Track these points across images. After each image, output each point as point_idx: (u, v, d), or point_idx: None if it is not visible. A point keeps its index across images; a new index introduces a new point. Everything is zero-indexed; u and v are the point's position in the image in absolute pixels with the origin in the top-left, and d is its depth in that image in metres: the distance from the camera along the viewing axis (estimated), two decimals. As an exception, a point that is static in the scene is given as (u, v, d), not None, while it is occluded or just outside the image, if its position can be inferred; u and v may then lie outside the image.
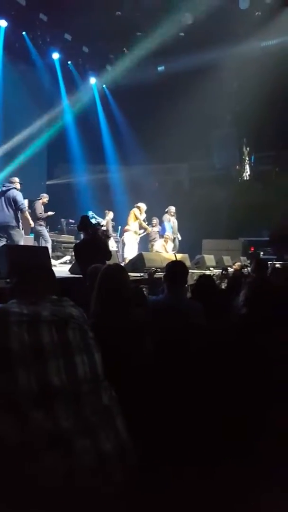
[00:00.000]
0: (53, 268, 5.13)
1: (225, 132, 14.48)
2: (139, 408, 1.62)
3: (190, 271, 6.49)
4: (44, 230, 8.22)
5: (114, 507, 1.27)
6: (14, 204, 6.74)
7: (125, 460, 1.38)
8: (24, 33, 12.06)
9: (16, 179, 7.07)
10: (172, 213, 9.88)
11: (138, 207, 8.74)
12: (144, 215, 8.91)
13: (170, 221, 9.77)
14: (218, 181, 14.58)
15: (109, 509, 1.27)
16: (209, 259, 9.04)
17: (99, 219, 9.92)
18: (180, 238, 10.18)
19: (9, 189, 6.83)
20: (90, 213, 10.26)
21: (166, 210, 9.91)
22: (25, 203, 7.08)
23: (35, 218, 8.01)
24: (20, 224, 6.92)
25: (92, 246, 4.84)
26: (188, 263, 7.97)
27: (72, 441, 1.29)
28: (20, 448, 1.24)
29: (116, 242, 10.40)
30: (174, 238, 9.93)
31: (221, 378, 1.79)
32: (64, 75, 13.76)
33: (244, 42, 11.75)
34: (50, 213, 8.46)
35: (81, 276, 4.65)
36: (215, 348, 1.94)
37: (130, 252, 8.12)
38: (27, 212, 7.20)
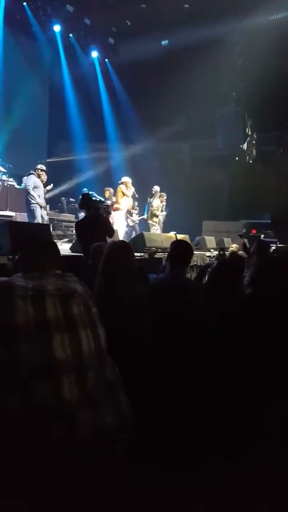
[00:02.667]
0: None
1: (229, 111, 14.14)
2: (139, 385, 1.62)
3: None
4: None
5: (114, 479, 1.29)
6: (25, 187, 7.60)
7: (127, 434, 1.39)
8: (24, 3, 11.66)
9: (38, 166, 7.81)
10: (153, 193, 9.45)
11: (124, 183, 8.29)
12: (132, 189, 8.44)
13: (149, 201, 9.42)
14: (220, 161, 14.33)
15: (110, 482, 1.28)
16: (210, 240, 9.02)
17: (99, 197, 9.75)
18: (161, 220, 9.81)
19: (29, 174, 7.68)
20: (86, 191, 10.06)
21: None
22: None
23: None
24: (32, 203, 7.48)
25: (94, 224, 4.79)
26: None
27: (75, 414, 1.31)
28: (24, 420, 1.25)
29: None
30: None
31: (224, 357, 1.78)
32: (66, 48, 13.36)
33: (251, 15, 11.34)
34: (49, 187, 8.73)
35: (81, 254, 4.64)
36: (221, 327, 1.92)
37: (119, 231, 7.84)
38: (31, 193, 7.54)
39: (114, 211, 8.18)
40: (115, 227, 7.64)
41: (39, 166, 7.81)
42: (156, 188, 9.53)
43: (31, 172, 7.69)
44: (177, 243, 2.68)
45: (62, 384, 1.33)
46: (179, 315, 2.11)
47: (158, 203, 9.46)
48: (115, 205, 8.28)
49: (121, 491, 1.28)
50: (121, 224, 8.03)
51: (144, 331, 2.01)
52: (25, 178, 7.89)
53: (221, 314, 1.99)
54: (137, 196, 9.07)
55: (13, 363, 1.30)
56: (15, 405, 1.27)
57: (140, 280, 2.36)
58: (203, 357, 1.82)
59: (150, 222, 9.39)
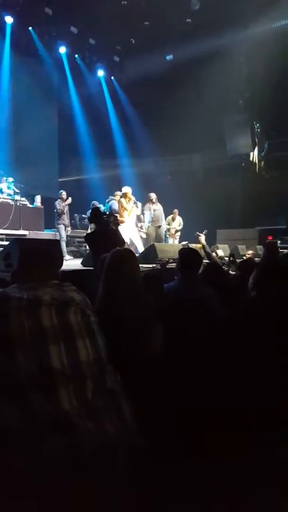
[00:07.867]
0: (65, 262, 5.21)
1: (236, 119, 14.17)
2: (144, 398, 1.57)
3: (204, 261, 6.37)
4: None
5: (117, 490, 1.26)
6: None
7: (129, 444, 1.35)
8: (30, 28, 12.02)
9: (117, 193, 8.29)
10: (153, 201, 9.24)
11: (124, 194, 7.94)
12: (132, 199, 8.06)
13: (151, 209, 9.21)
14: (231, 169, 14.32)
15: (112, 493, 1.25)
16: (223, 248, 8.89)
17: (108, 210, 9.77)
18: (165, 228, 9.76)
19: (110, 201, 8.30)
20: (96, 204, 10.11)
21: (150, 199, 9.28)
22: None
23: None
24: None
25: (103, 236, 4.79)
26: (202, 253, 7.81)
27: (74, 424, 1.27)
28: (23, 432, 1.24)
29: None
30: (159, 226, 9.29)
31: (232, 364, 1.72)
32: (72, 69, 13.66)
33: (254, 24, 11.43)
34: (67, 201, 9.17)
35: (92, 268, 4.60)
36: (227, 334, 1.87)
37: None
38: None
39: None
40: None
41: (118, 193, 8.19)
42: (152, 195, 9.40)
43: (113, 199, 8.16)
44: (183, 251, 2.68)
45: (60, 394, 1.30)
46: (190, 324, 2.06)
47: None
48: (120, 219, 8.17)
49: (126, 501, 1.24)
50: (126, 237, 7.92)
51: (148, 344, 1.91)
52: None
53: (227, 318, 1.93)
54: (139, 204, 8.82)
55: (10, 373, 1.29)
56: (13, 415, 1.25)
57: (152, 288, 2.28)
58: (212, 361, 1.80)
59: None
